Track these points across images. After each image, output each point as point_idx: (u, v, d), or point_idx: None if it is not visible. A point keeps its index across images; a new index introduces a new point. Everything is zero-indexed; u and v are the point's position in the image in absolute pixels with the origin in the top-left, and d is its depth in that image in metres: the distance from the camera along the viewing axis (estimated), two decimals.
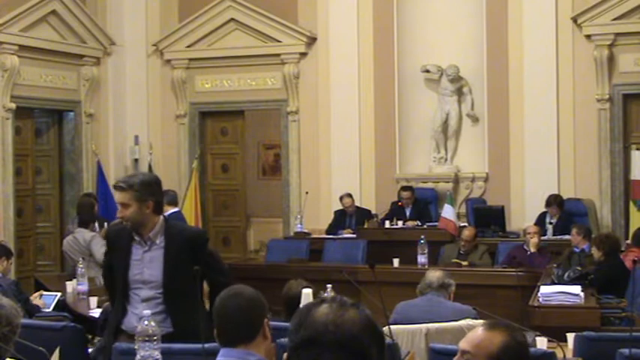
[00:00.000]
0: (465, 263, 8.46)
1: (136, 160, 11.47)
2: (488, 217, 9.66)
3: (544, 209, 9.49)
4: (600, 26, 9.84)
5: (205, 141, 11.81)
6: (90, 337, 4.98)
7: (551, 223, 9.37)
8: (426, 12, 10.67)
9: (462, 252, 8.69)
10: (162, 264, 4.08)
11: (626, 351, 3.81)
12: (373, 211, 10.32)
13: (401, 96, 10.70)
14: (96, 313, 6.02)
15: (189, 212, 10.60)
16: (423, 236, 8.54)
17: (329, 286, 4.46)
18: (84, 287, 6.95)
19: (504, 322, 2.62)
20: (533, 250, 8.25)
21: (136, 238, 4.10)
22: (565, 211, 9.40)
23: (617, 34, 9.81)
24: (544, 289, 6.35)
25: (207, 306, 4.13)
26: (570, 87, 10.04)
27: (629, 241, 8.08)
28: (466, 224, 9.84)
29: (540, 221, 9.32)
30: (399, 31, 10.67)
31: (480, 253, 8.70)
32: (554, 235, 9.25)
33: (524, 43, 10.16)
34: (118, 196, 4.10)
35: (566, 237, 8.61)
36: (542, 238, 8.68)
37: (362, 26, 10.79)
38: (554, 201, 9.38)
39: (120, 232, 4.20)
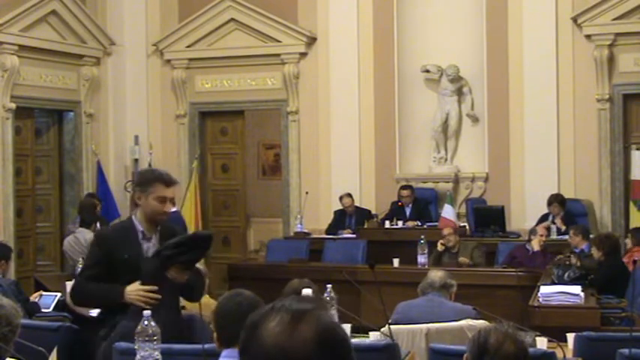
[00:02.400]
0: (467, 261, 8.45)
1: (136, 160, 11.47)
2: (488, 217, 9.65)
3: (545, 210, 9.48)
4: (600, 26, 9.84)
5: (205, 141, 11.81)
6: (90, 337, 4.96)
7: (554, 223, 9.35)
8: (426, 12, 10.66)
9: (452, 252, 8.66)
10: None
11: (626, 351, 3.81)
12: (373, 211, 10.32)
13: (401, 96, 10.70)
14: (96, 313, 6.01)
15: (189, 212, 10.61)
16: (423, 236, 8.54)
17: (329, 286, 4.45)
18: None
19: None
20: (537, 248, 8.24)
21: (146, 233, 4.07)
22: (567, 211, 9.39)
23: (617, 34, 9.81)
24: (544, 289, 6.36)
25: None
26: (570, 87, 10.04)
27: (627, 240, 8.06)
28: (466, 224, 9.85)
29: (542, 222, 9.29)
30: (399, 31, 10.66)
31: (470, 249, 8.67)
32: (558, 235, 9.21)
33: (524, 43, 10.16)
34: (171, 192, 4.06)
35: (566, 237, 8.61)
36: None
37: (362, 26, 10.79)
38: (555, 199, 9.38)
39: (122, 230, 4.13)
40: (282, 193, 11.39)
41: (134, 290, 3.92)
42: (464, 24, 10.52)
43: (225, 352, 2.79)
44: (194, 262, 4.00)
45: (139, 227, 4.08)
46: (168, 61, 11.61)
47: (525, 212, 9.99)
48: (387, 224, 9.90)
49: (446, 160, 10.57)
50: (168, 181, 4.05)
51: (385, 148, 10.71)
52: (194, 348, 3.55)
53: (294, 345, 1.46)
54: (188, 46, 11.51)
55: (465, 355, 2.72)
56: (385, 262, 8.37)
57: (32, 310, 6.31)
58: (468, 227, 9.78)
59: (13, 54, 9.78)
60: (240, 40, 11.28)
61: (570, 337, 4.55)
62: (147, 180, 4.07)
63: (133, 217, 4.16)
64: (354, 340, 4.46)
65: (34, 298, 6.71)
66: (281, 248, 9.64)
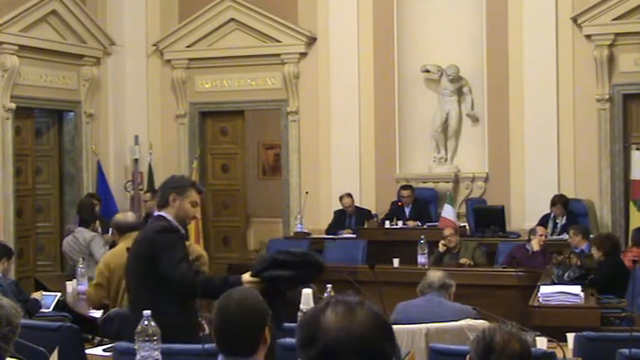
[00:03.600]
0: (468, 261, 8.44)
1: (136, 160, 11.47)
2: (488, 217, 9.65)
3: (545, 210, 9.46)
4: (600, 26, 9.84)
5: (205, 141, 11.81)
6: (90, 337, 4.97)
7: (556, 224, 9.34)
8: (426, 12, 10.67)
9: (453, 252, 8.65)
10: None
11: (626, 351, 3.81)
12: (373, 211, 10.32)
13: (401, 96, 10.70)
14: (96, 313, 6.02)
15: None
16: (423, 236, 8.54)
17: (329, 286, 4.46)
18: (84, 287, 6.95)
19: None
20: (537, 248, 8.24)
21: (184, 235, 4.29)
22: (569, 212, 9.38)
23: (617, 34, 9.81)
24: (544, 289, 6.35)
25: None
26: (570, 87, 10.04)
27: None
28: (466, 224, 9.85)
29: (543, 223, 9.29)
30: (399, 31, 10.67)
31: (472, 249, 8.67)
32: (560, 235, 9.20)
33: (524, 43, 10.16)
34: (199, 198, 4.34)
35: (566, 237, 8.60)
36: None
37: (362, 26, 10.79)
38: (559, 201, 9.36)
39: (177, 229, 4.24)
40: (282, 193, 11.39)
41: (249, 280, 4.01)
42: (464, 24, 10.52)
43: (221, 358, 2.75)
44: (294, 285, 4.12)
45: (182, 230, 4.26)
46: (169, 61, 11.61)
47: (525, 212, 9.98)
48: (387, 224, 9.90)
49: (446, 160, 10.57)
50: (200, 189, 4.38)
51: (385, 148, 10.71)
52: (194, 348, 3.55)
53: (355, 326, 1.72)
54: (188, 46, 11.51)
55: (469, 355, 2.72)
56: (385, 262, 8.37)
57: (32, 309, 6.31)
58: (468, 227, 9.78)
59: (13, 54, 9.79)
60: (240, 40, 11.28)
61: (570, 337, 4.55)
62: (184, 185, 4.30)
63: (170, 218, 4.21)
64: None
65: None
66: (281, 248, 9.60)
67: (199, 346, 3.37)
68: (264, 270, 3.98)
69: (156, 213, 4.33)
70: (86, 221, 8.22)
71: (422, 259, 8.32)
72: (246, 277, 4.02)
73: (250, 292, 2.87)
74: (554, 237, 9.08)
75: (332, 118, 10.92)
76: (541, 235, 8.38)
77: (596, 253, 7.20)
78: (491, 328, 2.74)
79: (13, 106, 9.79)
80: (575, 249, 7.81)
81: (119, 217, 5.89)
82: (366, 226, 9.96)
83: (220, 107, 11.66)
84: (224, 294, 2.93)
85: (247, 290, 2.93)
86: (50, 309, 6.57)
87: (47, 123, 10.88)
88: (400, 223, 9.89)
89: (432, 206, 10.32)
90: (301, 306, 4.10)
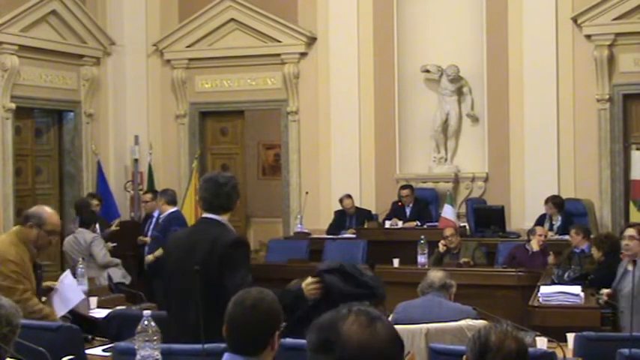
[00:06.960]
0: (469, 261, 8.44)
1: (136, 160, 11.46)
2: (488, 217, 9.65)
3: (543, 211, 9.47)
4: (600, 26, 9.84)
5: (205, 141, 11.81)
6: (90, 337, 4.96)
7: (552, 224, 9.34)
8: (426, 12, 10.67)
9: (453, 252, 8.65)
10: None
11: (626, 351, 3.81)
12: (373, 212, 10.32)
13: (401, 96, 10.70)
14: (96, 313, 6.02)
15: (189, 212, 10.58)
16: (423, 236, 8.53)
17: None
18: (84, 287, 6.94)
19: None
20: (536, 248, 8.24)
21: None
22: (566, 212, 9.38)
23: (617, 34, 9.81)
24: (544, 289, 6.36)
25: None
26: (570, 87, 10.04)
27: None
28: (466, 224, 9.84)
29: (540, 223, 9.29)
30: (399, 31, 10.67)
31: (472, 249, 8.67)
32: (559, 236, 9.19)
33: (524, 43, 10.16)
34: None
35: (566, 237, 8.60)
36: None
37: (362, 26, 10.80)
38: (551, 200, 9.35)
39: None
40: (282, 193, 11.39)
41: (309, 282, 3.81)
42: (464, 24, 10.53)
43: (227, 356, 2.75)
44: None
45: None
46: (168, 61, 11.62)
47: (525, 212, 9.99)
48: (388, 224, 9.89)
49: (446, 160, 10.57)
50: None
51: (385, 148, 10.71)
52: (194, 348, 3.54)
53: (376, 341, 1.72)
54: (188, 46, 11.51)
55: (465, 355, 2.72)
56: (385, 262, 8.37)
57: None
58: (468, 227, 9.78)
59: (13, 54, 9.79)
60: (240, 40, 11.28)
61: (570, 337, 4.55)
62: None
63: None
64: None
65: None
66: (281, 248, 9.63)
67: (199, 346, 3.36)
68: (329, 272, 3.79)
69: (214, 217, 3.97)
70: (86, 223, 8.23)
71: (422, 259, 8.31)
72: (308, 280, 3.81)
73: (268, 295, 2.83)
74: (553, 237, 9.07)
75: (332, 118, 10.92)
76: (540, 235, 8.38)
77: (596, 253, 7.20)
78: (487, 327, 2.74)
79: (13, 106, 9.80)
80: (575, 249, 7.82)
81: None
82: (365, 227, 9.96)
83: (220, 107, 11.67)
84: (244, 289, 2.88)
85: (266, 292, 2.89)
86: None
87: (47, 123, 10.88)
88: (401, 223, 9.89)
89: (432, 206, 10.31)
90: (323, 318, 4.03)
